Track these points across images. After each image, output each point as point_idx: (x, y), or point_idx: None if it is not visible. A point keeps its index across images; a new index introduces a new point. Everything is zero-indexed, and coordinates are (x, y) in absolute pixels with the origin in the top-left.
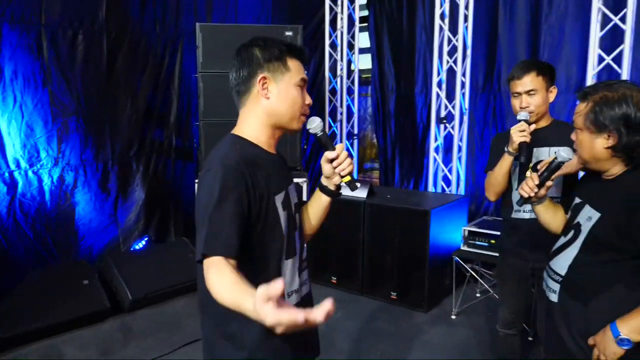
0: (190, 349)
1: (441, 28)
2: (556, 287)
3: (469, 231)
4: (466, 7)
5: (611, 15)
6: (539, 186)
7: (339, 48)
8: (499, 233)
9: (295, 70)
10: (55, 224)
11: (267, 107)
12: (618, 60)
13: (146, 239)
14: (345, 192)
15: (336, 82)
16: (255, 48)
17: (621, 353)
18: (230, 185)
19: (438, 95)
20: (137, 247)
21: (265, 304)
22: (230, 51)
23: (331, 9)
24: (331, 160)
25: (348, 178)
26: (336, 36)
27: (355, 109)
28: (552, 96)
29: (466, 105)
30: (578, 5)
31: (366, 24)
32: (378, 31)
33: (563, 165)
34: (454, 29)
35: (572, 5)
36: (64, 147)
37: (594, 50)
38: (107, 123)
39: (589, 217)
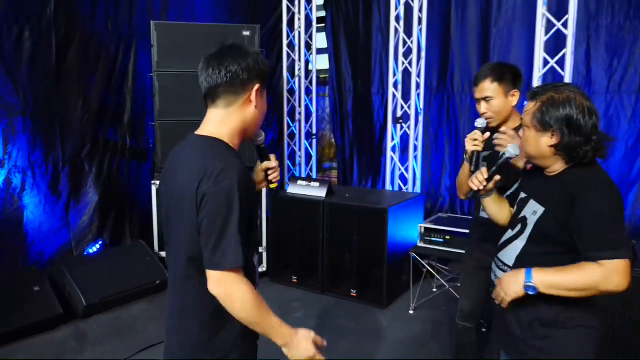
0: (147, 353)
1: (397, 30)
2: (500, 274)
3: (425, 228)
4: (420, 10)
5: (554, 21)
6: (488, 180)
7: (296, 48)
8: (454, 229)
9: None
10: (2, 229)
11: (250, 115)
12: (561, 63)
13: (100, 242)
14: (301, 191)
15: (294, 82)
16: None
17: (520, 295)
18: (244, 196)
19: (394, 96)
20: (91, 251)
21: (310, 342)
22: (186, 50)
23: (289, 9)
24: (267, 169)
25: (275, 185)
26: (294, 36)
27: (313, 109)
28: (514, 100)
29: (421, 105)
30: (525, 11)
31: (323, 25)
32: (335, 32)
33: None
34: (409, 32)
35: (520, 10)
36: (10, 148)
37: (539, 53)
38: (58, 123)
39: (534, 211)
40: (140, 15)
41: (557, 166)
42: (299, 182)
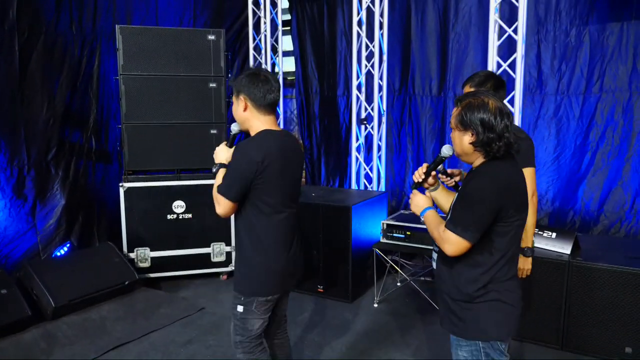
0: (116, 353)
1: (359, 34)
2: (435, 256)
3: (387, 224)
4: (381, 15)
5: (505, 27)
6: (426, 174)
7: (262, 51)
8: (414, 225)
9: None
10: None
11: None
12: (513, 66)
13: (68, 245)
14: None
15: None
16: None
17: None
18: None
19: (358, 98)
20: (58, 253)
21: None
22: (152, 53)
23: (254, 12)
24: None
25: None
26: (260, 40)
27: (281, 111)
28: None
29: (384, 107)
30: (480, 17)
31: (289, 28)
32: (301, 35)
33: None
34: (371, 35)
35: (475, 16)
36: None
37: (492, 57)
38: (22, 126)
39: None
40: (104, 19)
41: (478, 161)
42: None
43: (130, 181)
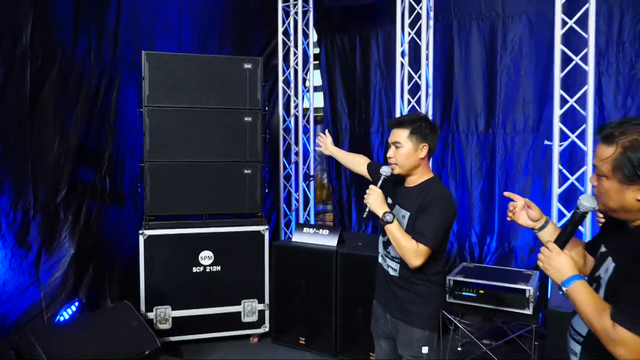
0: None
1: (402, 65)
2: (577, 348)
3: (455, 281)
4: (427, 47)
5: (572, 55)
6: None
7: (292, 84)
8: (489, 283)
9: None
10: None
11: None
12: (581, 101)
13: (76, 302)
14: (308, 240)
15: (290, 121)
16: None
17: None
18: None
19: None
20: (65, 314)
21: None
22: (180, 83)
23: (284, 43)
24: None
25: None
26: (289, 73)
27: (310, 149)
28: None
29: None
30: (532, 47)
31: (317, 62)
32: (330, 69)
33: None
34: (414, 68)
35: (527, 46)
36: None
37: (556, 90)
38: (30, 164)
39: (606, 268)
40: (125, 46)
41: None
42: (305, 229)
43: (152, 228)
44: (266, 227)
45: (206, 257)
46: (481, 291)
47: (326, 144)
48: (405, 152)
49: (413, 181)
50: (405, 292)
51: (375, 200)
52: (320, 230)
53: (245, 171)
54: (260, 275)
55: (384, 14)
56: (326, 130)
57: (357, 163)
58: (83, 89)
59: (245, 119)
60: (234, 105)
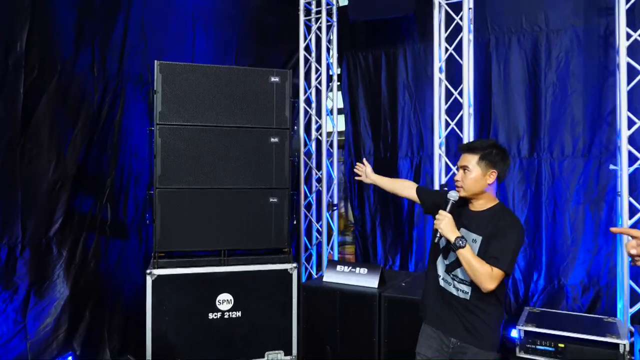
0: None
1: (440, 82)
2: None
3: (526, 331)
4: (468, 60)
5: (638, 67)
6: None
7: (313, 104)
8: (571, 335)
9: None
10: None
11: None
12: None
13: (70, 358)
14: (343, 280)
15: (311, 145)
16: None
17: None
18: None
19: (440, 158)
20: None
21: None
22: (197, 98)
23: (306, 59)
24: None
25: None
26: (310, 93)
27: (334, 174)
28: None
29: None
30: (581, 62)
31: (339, 82)
32: (352, 89)
33: None
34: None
35: (576, 61)
36: None
37: (622, 110)
38: (19, 190)
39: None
40: (132, 59)
41: None
42: (339, 267)
43: (161, 266)
44: (294, 265)
45: (224, 301)
46: (561, 345)
47: (367, 172)
48: (474, 177)
49: (480, 206)
50: (476, 315)
51: (447, 225)
52: (357, 268)
53: (271, 200)
54: (287, 322)
55: (413, 30)
56: (364, 159)
57: (405, 187)
58: (84, 107)
59: (272, 139)
60: (259, 124)
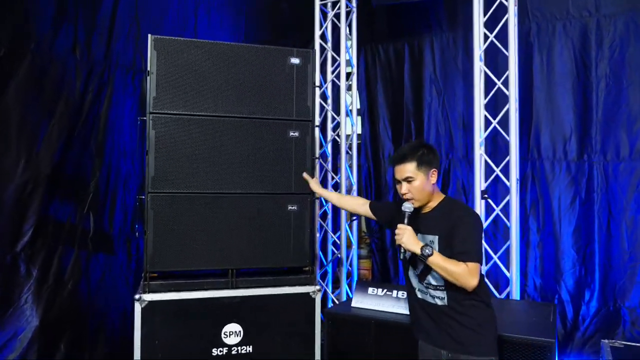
0: None
1: (481, 71)
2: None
3: None
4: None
5: None
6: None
7: (329, 101)
8: None
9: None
10: None
11: None
12: None
13: None
14: (376, 306)
15: (327, 146)
16: None
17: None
18: None
19: (482, 160)
20: None
21: None
22: (200, 82)
23: (322, 49)
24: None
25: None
26: (326, 87)
27: (354, 180)
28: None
29: (516, 175)
30: (638, 52)
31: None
32: (370, 85)
33: None
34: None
35: (634, 49)
36: None
37: None
38: None
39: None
40: (123, 45)
41: None
42: (371, 289)
43: (154, 290)
44: (317, 287)
45: (232, 333)
46: None
47: (310, 186)
48: (419, 184)
49: (429, 206)
50: (459, 321)
51: (409, 238)
52: (394, 291)
53: (290, 207)
54: (310, 356)
55: (441, 16)
56: (304, 174)
57: (359, 205)
58: (63, 95)
59: (291, 133)
60: (275, 114)
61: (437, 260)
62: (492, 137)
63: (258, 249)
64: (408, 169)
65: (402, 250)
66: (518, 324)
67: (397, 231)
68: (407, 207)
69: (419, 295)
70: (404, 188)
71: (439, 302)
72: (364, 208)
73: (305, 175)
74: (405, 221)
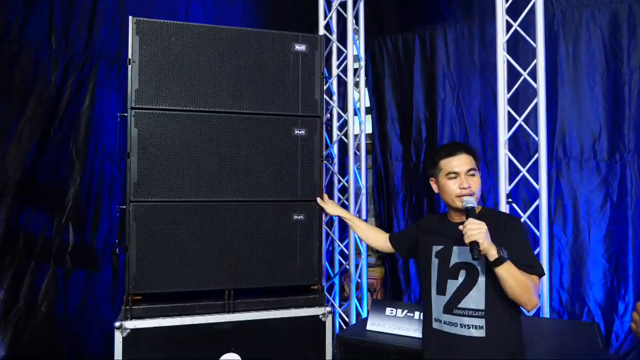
0: None
1: (505, 61)
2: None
3: None
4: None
5: None
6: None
7: (335, 97)
8: None
9: (444, 167)
10: None
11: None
12: None
13: None
14: (394, 330)
15: (333, 147)
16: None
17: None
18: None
19: (507, 159)
20: None
21: None
22: (190, 71)
23: (326, 39)
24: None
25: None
26: (331, 82)
27: (362, 184)
28: None
29: (544, 178)
30: None
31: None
32: (378, 81)
33: None
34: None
35: None
36: None
37: None
38: None
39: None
40: (106, 33)
41: None
42: (389, 310)
43: (137, 316)
44: (328, 309)
45: None
46: None
47: (328, 210)
48: (479, 180)
49: (460, 215)
50: (500, 353)
51: (488, 235)
52: (415, 312)
53: (295, 217)
54: None
55: (455, 5)
56: (322, 196)
57: (382, 241)
58: (36, 90)
59: (296, 131)
60: (278, 109)
61: (512, 267)
62: (513, 135)
63: (258, 266)
64: (472, 160)
65: (478, 249)
66: (563, 352)
67: (469, 226)
68: (471, 201)
69: (437, 326)
70: (465, 182)
71: (475, 333)
72: (384, 244)
73: (319, 201)
74: (471, 216)
